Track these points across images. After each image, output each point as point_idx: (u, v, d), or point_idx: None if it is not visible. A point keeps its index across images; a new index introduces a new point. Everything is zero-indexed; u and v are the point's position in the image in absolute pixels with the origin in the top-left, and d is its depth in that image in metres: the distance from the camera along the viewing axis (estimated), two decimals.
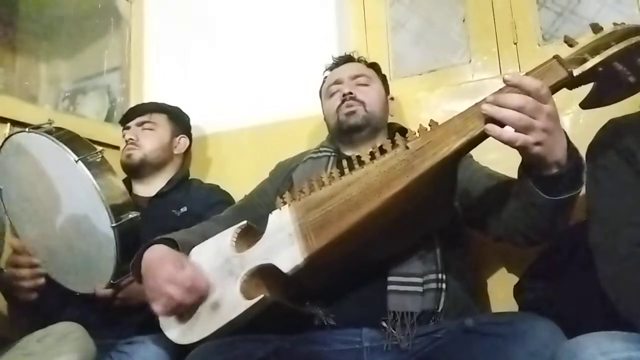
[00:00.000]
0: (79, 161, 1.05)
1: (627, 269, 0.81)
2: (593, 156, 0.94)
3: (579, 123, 1.27)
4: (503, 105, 0.77)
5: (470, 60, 1.53)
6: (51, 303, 1.19)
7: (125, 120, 1.56)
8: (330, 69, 1.36)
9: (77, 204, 1.10)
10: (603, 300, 0.84)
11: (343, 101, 1.23)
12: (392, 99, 1.35)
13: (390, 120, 1.33)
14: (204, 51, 1.87)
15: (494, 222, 0.98)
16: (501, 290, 1.25)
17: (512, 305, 1.18)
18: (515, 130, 0.77)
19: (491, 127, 0.78)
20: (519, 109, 0.76)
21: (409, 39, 1.65)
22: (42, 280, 1.10)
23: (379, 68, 1.37)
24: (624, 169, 0.87)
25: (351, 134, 1.24)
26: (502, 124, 0.78)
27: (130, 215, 1.07)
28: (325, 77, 1.37)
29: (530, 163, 0.81)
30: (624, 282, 0.80)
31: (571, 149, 0.80)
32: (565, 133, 0.80)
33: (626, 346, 0.63)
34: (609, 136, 0.93)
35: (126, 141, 1.49)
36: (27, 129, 1.13)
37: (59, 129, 1.14)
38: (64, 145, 1.08)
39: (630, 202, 0.85)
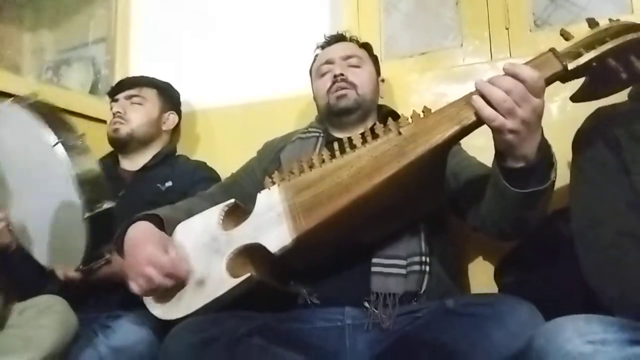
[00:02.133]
0: (58, 144, 1.00)
1: (609, 257, 0.82)
2: (579, 145, 0.95)
3: (566, 110, 1.28)
4: (494, 84, 0.79)
5: (461, 44, 1.52)
6: (29, 276, 1.18)
7: (113, 93, 1.52)
8: (322, 47, 1.34)
9: (52, 185, 1.05)
10: (581, 285, 0.86)
11: (334, 82, 1.22)
12: (382, 80, 1.34)
13: (380, 102, 1.32)
14: (192, 25, 1.83)
15: (473, 212, 1.00)
16: (482, 272, 1.28)
17: (491, 288, 1.20)
18: (497, 112, 0.78)
19: (477, 99, 0.81)
20: (506, 91, 0.77)
21: (401, 20, 1.64)
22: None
23: (371, 48, 1.35)
24: (610, 158, 0.88)
25: (341, 116, 1.23)
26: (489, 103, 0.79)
27: (105, 206, 1.01)
28: (316, 55, 1.35)
29: (500, 150, 0.83)
30: (606, 271, 0.82)
31: (544, 146, 0.82)
32: (542, 131, 0.82)
33: (603, 328, 0.65)
34: (597, 125, 0.93)
35: (114, 114, 1.47)
36: (10, 100, 1.08)
37: (43, 104, 1.08)
38: (45, 124, 1.02)
39: (614, 192, 0.86)
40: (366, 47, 1.33)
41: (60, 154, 1.00)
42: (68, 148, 1.01)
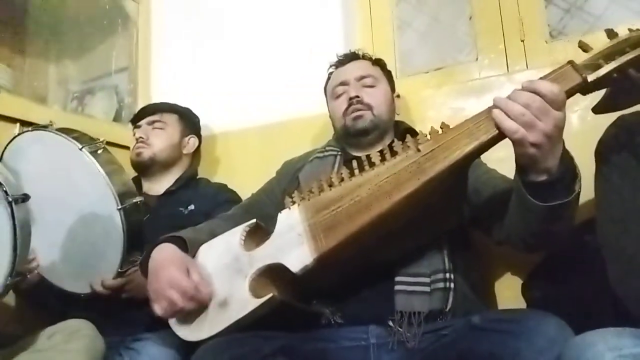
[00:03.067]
0: (83, 149, 1.06)
1: (637, 267, 0.80)
2: (603, 153, 0.93)
3: (587, 120, 1.27)
4: (512, 100, 0.79)
5: (477, 58, 1.52)
6: (54, 303, 1.20)
7: (136, 119, 1.58)
8: (336, 66, 1.34)
9: (82, 193, 1.10)
10: (611, 297, 0.84)
11: (350, 105, 1.22)
12: (398, 96, 1.34)
13: (396, 118, 1.32)
14: (211, 51, 1.88)
15: (497, 226, 0.99)
16: (508, 288, 1.25)
17: (519, 304, 1.18)
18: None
19: (498, 112, 0.80)
20: (524, 105, 0.77)
21: (416, 37, 1.65)
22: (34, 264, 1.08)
23: (385, 64, 1.35)
24: (634, 165, 0.87)
25: (358, 137, 1.23)
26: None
27: (135, 200, 1.08)
28: (330, 73, 1.35)
29: (522, 164, 0.82)
30: (633, 281, 0.80)
31: (566, 158, 0.81)
32: (563, 143, 0.81)
33: (634, 342, 0.63)
34: (619, 133, 0.92)
35: (136, 139, 1.51)
36: (30, 128, 1.14)
37: (60, 128, 1.15)
38: (67, 137, 1.09)
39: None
40: (379, 63, 1.33)
41: (86, 157, 1.08)
42: (92, 153, 1.08)
